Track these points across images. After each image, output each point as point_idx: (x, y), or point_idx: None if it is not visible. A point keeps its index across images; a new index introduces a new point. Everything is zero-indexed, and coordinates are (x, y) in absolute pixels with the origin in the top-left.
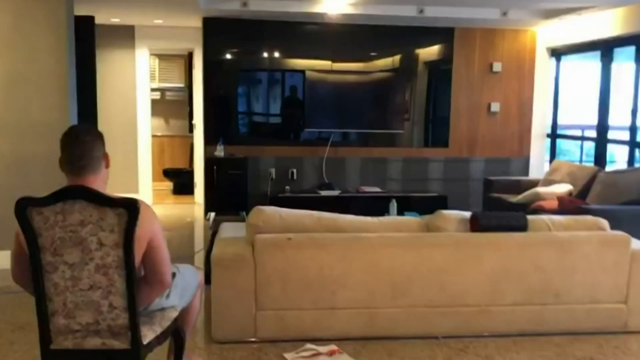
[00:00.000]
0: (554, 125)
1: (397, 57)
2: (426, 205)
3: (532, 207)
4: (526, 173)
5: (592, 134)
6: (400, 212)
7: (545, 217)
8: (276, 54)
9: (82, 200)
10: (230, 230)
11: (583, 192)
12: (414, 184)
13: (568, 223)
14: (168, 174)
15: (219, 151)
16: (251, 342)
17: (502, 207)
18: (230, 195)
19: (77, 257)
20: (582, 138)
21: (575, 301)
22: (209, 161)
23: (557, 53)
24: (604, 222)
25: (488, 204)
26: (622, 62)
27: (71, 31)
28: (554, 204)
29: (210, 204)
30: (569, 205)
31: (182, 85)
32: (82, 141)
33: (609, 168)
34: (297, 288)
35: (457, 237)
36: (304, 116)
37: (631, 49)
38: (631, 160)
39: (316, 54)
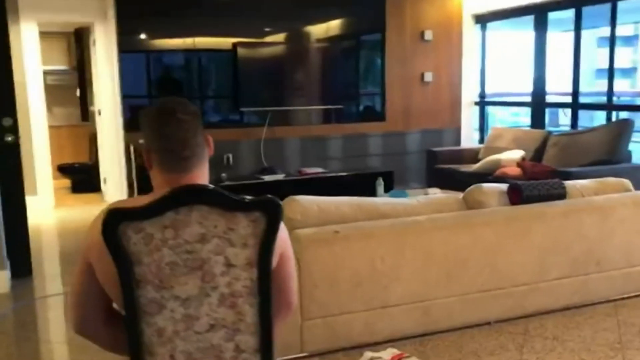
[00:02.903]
0: (482, 94)
1: (330, 27)
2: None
3: (496, 175)
4: (458, 143)
5: (521, 99)
6: (370, 193)
7: (574, 183)
8: (201, 28)
9: (202, 205)
10: None
11: (536, 157)
12: (353, 161)
13: (596, 187)
14: (66, 170)
15: None
16: (300, 358)
17: (456, 178)
18: None
19: (195, 287)
20: (514, 104)
21: (613, 267)
22: (136, 151)
23: (482, 20)
24: (628, 183)
25: (436, 176)
26: (555, 27)
27: None
28: (516, 170)
29: None
30: (534, 171)
31: (66, 67)
32: (183, 121)
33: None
34: (347, 288)
35: (506, 211)
36: (237, 95)
37: (567, 13)
38: (574, 123)
39: (247, 26)
